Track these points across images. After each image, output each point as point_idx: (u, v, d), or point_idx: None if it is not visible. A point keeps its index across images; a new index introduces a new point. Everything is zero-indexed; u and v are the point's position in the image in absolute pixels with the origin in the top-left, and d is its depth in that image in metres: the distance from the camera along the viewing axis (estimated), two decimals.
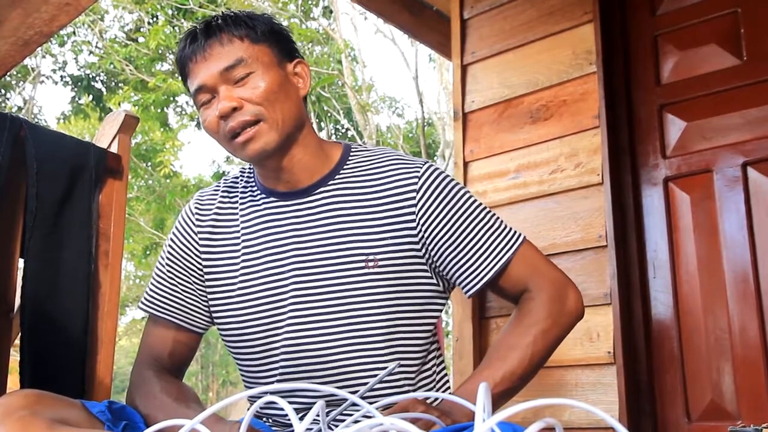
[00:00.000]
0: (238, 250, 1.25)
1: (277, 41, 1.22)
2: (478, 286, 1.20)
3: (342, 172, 1.24)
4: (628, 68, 2.38)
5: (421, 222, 1.20)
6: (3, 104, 11.15)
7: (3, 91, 11.27)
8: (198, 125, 11.51)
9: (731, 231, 2.10)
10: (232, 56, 1.17)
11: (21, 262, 1.69)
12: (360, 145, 1.31)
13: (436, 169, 1.24)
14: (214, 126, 1.18)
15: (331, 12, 10.58)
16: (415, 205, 1.20)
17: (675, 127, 2.28)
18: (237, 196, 1.30)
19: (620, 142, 2.32)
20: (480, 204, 1.24)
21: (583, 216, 2.27)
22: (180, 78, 1.26)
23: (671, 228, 2.21)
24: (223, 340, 1.30)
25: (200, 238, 1.29)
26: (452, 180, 1.24)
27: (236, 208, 1.29)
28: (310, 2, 10.33)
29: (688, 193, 2.21)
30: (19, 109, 11.12)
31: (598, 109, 2.29)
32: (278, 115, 1.17)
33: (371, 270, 1.18)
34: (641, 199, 2.28)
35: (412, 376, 1.21)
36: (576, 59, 2.38)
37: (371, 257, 1.18)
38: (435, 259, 1.21)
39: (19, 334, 1.64)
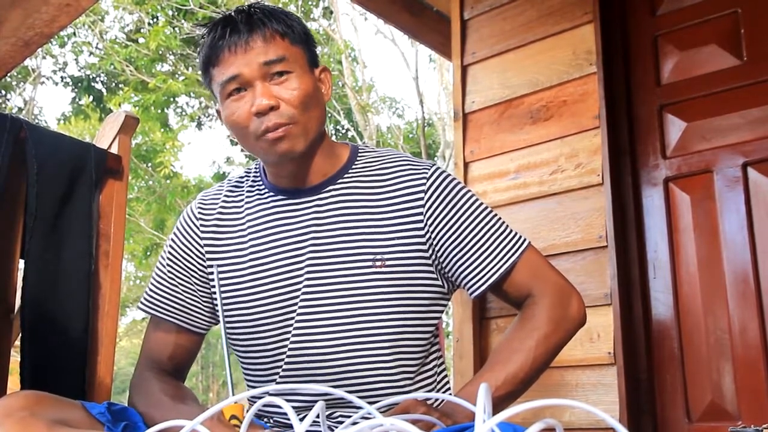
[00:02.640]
0: (245, 248, 1.25)
1: (309, 45, 1.23)
2: (483, 287, 1.21)
3: (350, 171, 1.25)
4: (628, 69, 2.38)
5: (429, 223, 1.21)
6: (3, 105, 11.15)
7: (3, 92, 11.27)
8: (198, 126, 11.50)
9: (731, 231, 2.10)
10: (274, 52, 1.15)
11: (21, 263, 1.69)
12: (366, 146, 1.32)
13: (444, 171, 1.26)
14: (243, 120, 1.16)
15: (331, 12, 10.59)
16: (423, 206, 1.21)
17: (675, 127, 2.28)
18: (242, 195, 1.30)
19: (620, 142, 2.32)
20: (487, 207, 1.26)
21: (584, 216, 2.27)
22: (202, 64, 1.21)
23: (671, 228, 2.21)
24: (227, 336, 1.30)
25: (203, 239, 1.29)
26: (459, 183, 1.26)
27: (241, 206, 1.29)
28: (310, 3, 10.34)
29: (688, 194, 2.21)
30: (20, 109, 11.12)
31: (598, 109, 2.29)
32: (309, 120, 1.17)
33: (379, 269, 1.18)
34: (641, 200, 2.28)
35: (412, 375, 1.22)
36: (576, 60, 2.38)
37: (379, 257, 1.19)
38: (441, 260, 1.22)
39: (20, 334, 1.64)
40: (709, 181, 2.17)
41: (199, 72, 1.25)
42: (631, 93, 2.37)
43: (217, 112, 1.27)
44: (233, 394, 1.11)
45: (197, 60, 1.26)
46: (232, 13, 1.20)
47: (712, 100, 2.21)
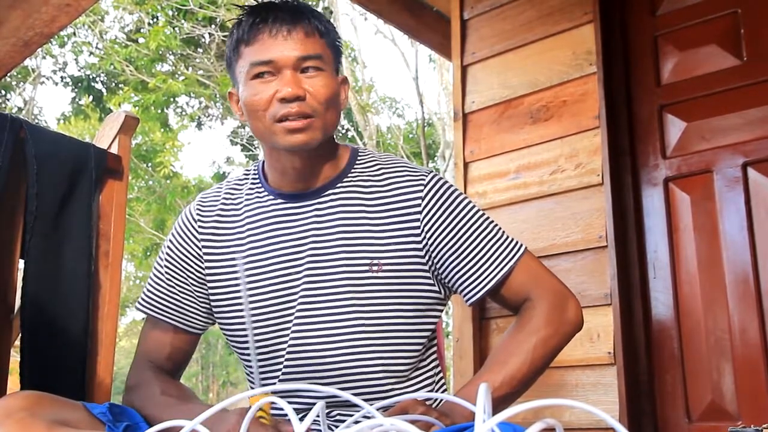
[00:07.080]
0: (243, 250, 1.25)
1: (338, 52, 1.25)
2: (479, 294, 1.22)
3: (350, 176, 1.26)
4: (628, 69, 2.38)
5: (426, 229, 1.21)
6: (3, 105, 11.15)
7: (3, 92, 11.27)
8: (198, 126, 11.50)
9: (731, 231, 2.10)
10: (312, 48, 1.18)
11: (21, 263, 1.69)
12: (365, 149, 1.32)
13: (441, 178, 1.27)
14: (264, 102, 1.16)
15: (331, 12, 10.58)
16: (420, 212, 1.21)
17: (675, 127, 2.28)
18: (241, 197, 1.30)
19: (620, 142, 2.32)
20: (483, 214, 1.26)
21: (584, 216, 2.27)
22: (235, 42, 1.21)
23: (671, 228, 2.21)
24: (227, 338, 1.31)
25: (202, 240, 1.30)
26: (456, 190, 1.27)
27: (240, 209, 1.29)
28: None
29: (688, 194, 2.21)
30: (20, 109, 11.12)
31: (598, 109, 2.29)
32: (328, 119, 1.19)
33: (376, 274, 1.19)
34: (641, 200, 2.29)
35: (404, 378, 1.23)
36: (576, 60, 2.38)
37: (376, 261, 1.19)
38: (438, 266, 1.22)
39: (20, 335, 1.64)
40: (709, 181, 2.17)
41: (228, 49, 1.23)
42: (631, 93, 2.37)
43: (229, 94, 1.26)
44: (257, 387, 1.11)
45: (230, 38, 1.23)
46: (276, 0, 1.21)
47: (712, 100, 2.21)
